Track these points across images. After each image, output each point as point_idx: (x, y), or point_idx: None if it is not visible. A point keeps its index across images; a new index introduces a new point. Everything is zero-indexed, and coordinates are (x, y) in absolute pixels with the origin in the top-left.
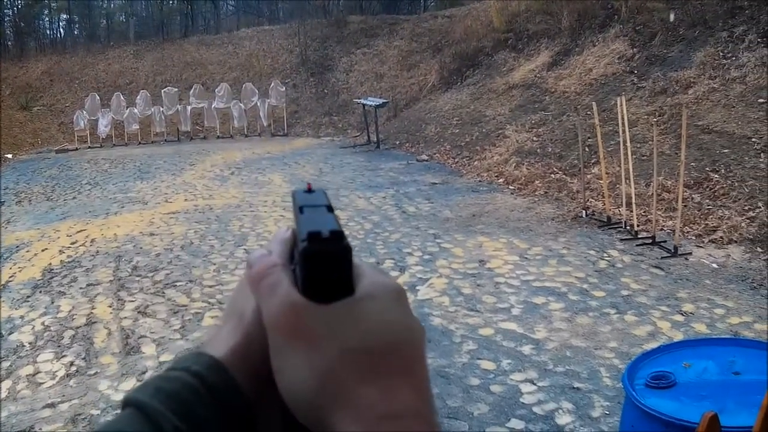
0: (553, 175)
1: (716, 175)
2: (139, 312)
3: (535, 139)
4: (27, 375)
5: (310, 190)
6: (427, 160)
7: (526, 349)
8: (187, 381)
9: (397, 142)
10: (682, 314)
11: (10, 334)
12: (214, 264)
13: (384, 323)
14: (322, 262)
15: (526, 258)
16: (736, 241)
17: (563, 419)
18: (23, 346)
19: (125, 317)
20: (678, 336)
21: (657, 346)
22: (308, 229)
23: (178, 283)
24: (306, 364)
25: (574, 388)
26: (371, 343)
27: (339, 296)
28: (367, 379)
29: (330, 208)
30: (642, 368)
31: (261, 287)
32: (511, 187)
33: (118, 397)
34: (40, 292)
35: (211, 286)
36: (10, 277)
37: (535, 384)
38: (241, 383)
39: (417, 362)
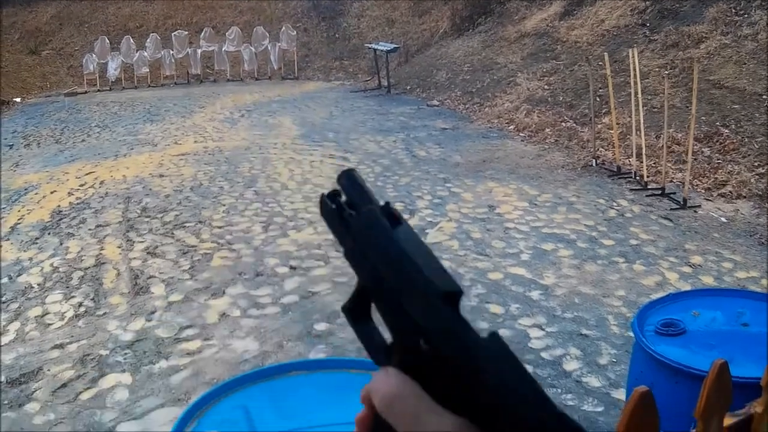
0: (563, 124)
1: (726, 130)
2: (148, 253)
3: (546, 87)
4: (35, 316)
5: (397, 221)
6: (437, 106)
7: (535, 294)
8: None
9: (408, 87)
10: (690, 266)
11: (18, 276)
12: (224, 205)
13: None
14: None
15: (535, 204)
16: (744, 197)
17: (571, 365)
18: (32, 287)
19: (134, 258)
20: (686, 287)
21: (666, 294)
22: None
23: (187, 224)
24: None
25: (581, 334)
26: None
27: None
28: None
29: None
30: (651, 315)
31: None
32: (521, 134)
33: (127, 337)
34: (49, 233)
35: (220, 227)
36: (18, 219)
37: (543, 329)
38: None
39: None
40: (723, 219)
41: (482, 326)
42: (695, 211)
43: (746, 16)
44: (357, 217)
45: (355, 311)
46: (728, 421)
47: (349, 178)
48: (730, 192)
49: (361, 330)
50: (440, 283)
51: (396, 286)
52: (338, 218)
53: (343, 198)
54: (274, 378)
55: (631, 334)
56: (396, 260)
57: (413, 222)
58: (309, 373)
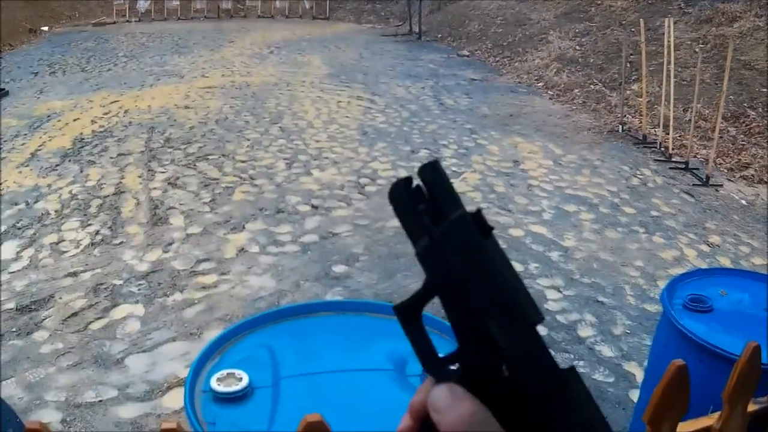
0: (592, 86)
1: (753, 113)
2: (169, 183)
3: (577, 48)
4: (50, 243)
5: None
6: (468, 56)
7: (554, 255)
8: None
9: (439, 35)
10: (708, 245)
11: (35, 202)
12: (248, 140)
13: None
14: None
15: (560, 164)
16: (766, 182)
17: (585, 332)
18: (48, 214)
19: (155, 188)
20: (702, 265)
21: (689, 270)
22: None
23: (210, 157)
24: None
25: (598, 301)
26: None
27: None
28: None
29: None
30: (679, 289)
31: None
32: (549, 92)
33: (143, 267)
34: (69, 161)
35: (243, 161)
36: (39, 146)
37: (560, 292)
38: None
39: None
40: (743, 201)
41: None
42: (716, 190)
43: None
44: (446, 220)
45: (409, 312)
46: (751, 407)
47: (435, 172)
48: (752, 175)
49: (413, 333)
50: (533, 312)
51: (482, 305)
52: (413, 211)
53: (423, 189)
54: (296, 318)
55: (647, 306)
56: (488, 279)
57: None
58: (330, 314)
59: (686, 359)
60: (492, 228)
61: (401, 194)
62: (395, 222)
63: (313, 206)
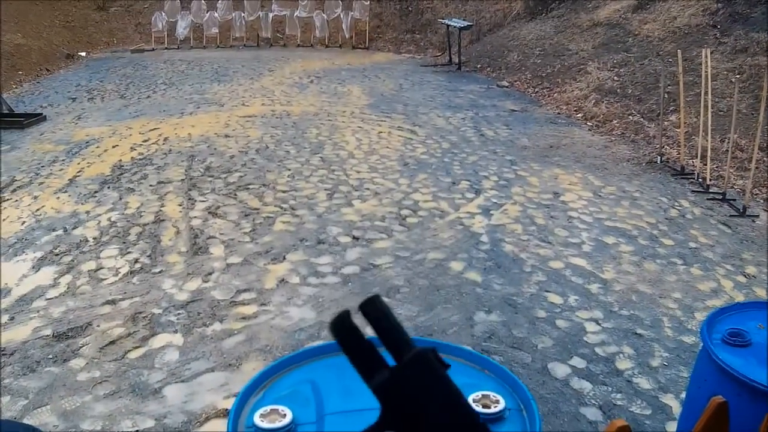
0: (631, 117)
1: None
2: (209, 212)
3: (615, 78)
4: (88, 270)
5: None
6: (507, 87)
7: (594, 287)
8: None
9: (478, 66)
10: (744, 276)
11: (74, 228)
12: (289, 169)
13: None
14: None
15: (599, 196)
16: None
17: (623, 364)
18: (87, 240)
19: (195, 217)
20: (739, 297)
21: (726, 304)
22: None
23: (251, 186)
24: None
25: (636, 333)
26: None
27: None
28: None
29: None
30: (718, 323)
31: None
32: (589, 123)
33: (182, 297)
34: (109, 188)
35: (284, 191)
36: (77, 172)
37: (599, 324)
38: None
39: None
40: None
41: (540, 315)
42: (753, 221)
43: None
44: (408, 355)
45: None
46: None
47: (379, 307)
48: None
49: None
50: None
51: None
52: (364, 346)
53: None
54: (338, 354)
55: (684, 338)
56: (457, 407)
57: (478, 202)
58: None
59: (725, 393)
60: (448, 365)
61: (346, 329)
62: (436, 254)
63: (354, 237)
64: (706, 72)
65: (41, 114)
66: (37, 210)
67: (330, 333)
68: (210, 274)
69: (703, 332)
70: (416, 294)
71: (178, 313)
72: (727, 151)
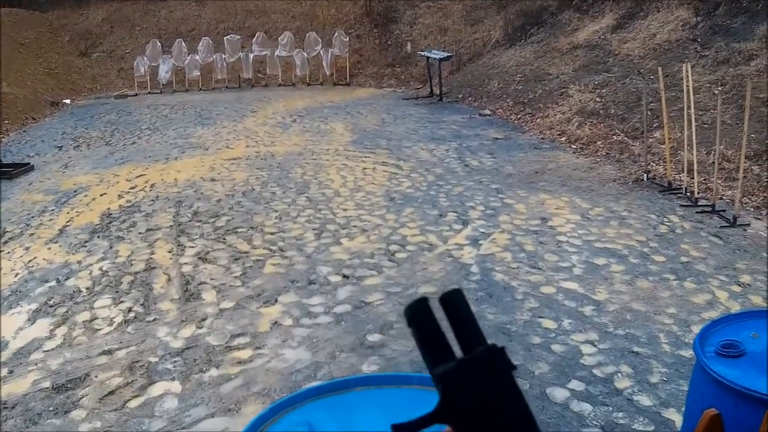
0: (615, 137)
1: None
2: (199, 258)
3: (598, 99)
4: (83, 321)
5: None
6: (489, 115)
7: (587, 309)
8: None
9: (460, 96)
10: (739, 285)
11: (66, 279)
12: (276, 211)
13: None
14: None
15: (587, 218)
16: None
17: (622, 383)
18: (80, 291)
19: (185, 263)
20: (735, 307)
21: (722, 315)
22: None
23: (239, 230)
24: None
25: (633, 352)
26: None
27: None
28: None
29: None
30: (711, 336)
31: None
32: (573, 146)
33: (177, 344)
34: (98, 236)
35: (272, 233)
36: (67, 221)
37: (595, 346)
38: None
39: None
40: None
41: (535, 341)
42: (744, 230)
43: None
44: (482, 348)
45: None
46: None
47: (459, 299)
48: None
49: None
50: None
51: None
52: (437, 335)
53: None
54: (336, 393)
55: (682, 353)
56: (520, 407)
57: (466, 233)
58: (371, 388)
59: (722, 405)
60: (515, 366)
61: (421, 313)
62: (426, 287)
63: (344, 276)
64: (687, 86)
65: (29, 163)
66: (30, 261)
67: (404, 316)
68: (203, 320)
69: (696, 346)
70: (409, 329)
71: (175, 361)
72: (714, 162)
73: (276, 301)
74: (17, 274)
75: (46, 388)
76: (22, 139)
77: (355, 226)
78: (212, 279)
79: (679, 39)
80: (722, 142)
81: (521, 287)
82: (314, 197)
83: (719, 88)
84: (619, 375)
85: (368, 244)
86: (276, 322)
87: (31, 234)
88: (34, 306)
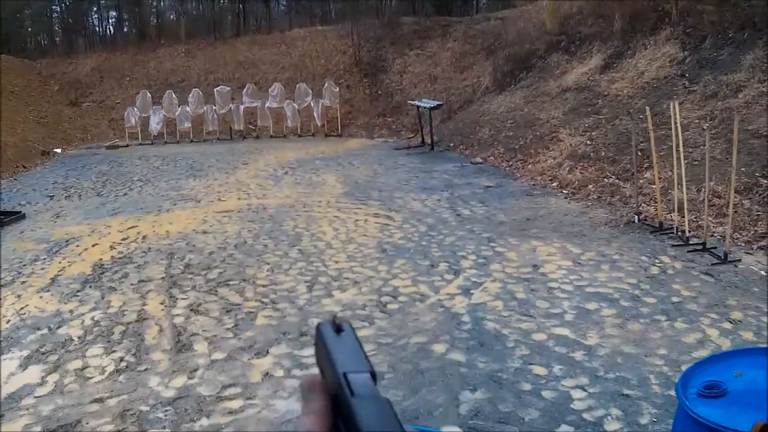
0: (606, 180)
1: (766, 181)
2: (191, 310)
3: (588, 142)
4: (75, 369)
5: (337, 328)
6: (481, 163)
7: (578, 355)
8: None
9: (451, 144)
10: (730, 322)
11: (58, 327)
12: (268, 263)
13: None
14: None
15: (579, 263)
16: None
17: (612, 426)
18: (72, 340)
19: (177, 314)
20: (726, 343)
21: (708, 354)
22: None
23: (231, 282)
24: None
25: (623, 394)
26: None
27: None
28: None
29: (373, 375)
30: (695, 377)
31: None
32: (564, 191)
33: (169, 393)
34: (90, 287)
35: (264, 286)
36: (59, 271)
37: (585, 390)
38: None
39: None
40: (762, 272)
41: (525, 388)
42: (735, 266)
43: None
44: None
45: None
46: None
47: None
48: None
49: None
50: None
51: None
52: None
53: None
54: None
55: (672, 393)
56: None
57: (458, 282)
58: None
59: None
60: None
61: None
62: (418, 338)
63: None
64: (676, 124)
65: (20, 212)
66: (21, 309)
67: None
68: (195, 370)
69: (678, 388)
70: (401, 379)
71: (166, 410)
72: (704, 199)
73: (267, 352)
74: (9, 321)
75: None
76: (14, 187)
77: (346, 278)
78: (204, 330)
79: (667, 75)
80: (712, 178)
81: (512, 335)
82: (306, 249)
83: (708, 123)
84: (609, 418)
85: (360, 295)
86: (267, 373)
87: (23, 282)
88: (26, 353)
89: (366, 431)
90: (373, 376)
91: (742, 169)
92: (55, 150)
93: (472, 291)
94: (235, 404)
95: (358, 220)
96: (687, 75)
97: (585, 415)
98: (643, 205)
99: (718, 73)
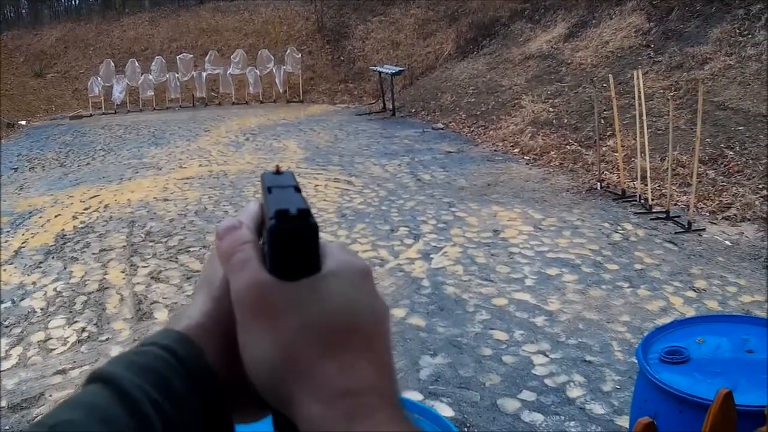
0: (568, 147)
1: (731, 152)
2: (152, 277)
3: (550, 110)
4: (38, 341)
5: (278, 172)
6: (442, 129)
7: (539, 320)
8: (160, 354)
9: (413, 110)
10: (694, 290)
11: (21, 300)
12: None
13: (346, 301)
14: (288, 240)
15: (540, 229)
16: (749, 219)
17: (574, 392)
18: (35, 312)
19: (138, 283)
20: (690, 312)
21: (670, 321)
22: (276, 208)
23: (191, 249)
24: (268, 338)
25: (585, 361)
26: (332, 320)
27: (305, 274)
28: (327, 354)
29: (297, 189)
30: (656, 342)
31: (230, 264)
32: (526, 157)
33: None
34: (53, 257)
35: None
36: (22, 243)
37: (547, 356)
38: (210, 355)
39: (378, 339)
40: (727, 242)
41: (486, 353)
42: (700, 235)
43: (750, 36)
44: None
45: None
46: None
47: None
48: (735, 215)
49: None
50: None
51: None
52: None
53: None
54: None
55: (635, 360)
56: None
57: (418, 247)
58: None
59: (666, 412)
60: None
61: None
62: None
63: None
64: (639, 93)
65: None
66: None
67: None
68: None
69: (638, 353)
70: None
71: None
72: (668, 169)
73: None
74: None
75: (2, 407)
76: None
77: None
78: (165, 298)
79: (632, 45)
80: (676, 148)
81: (472, 300)
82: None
83: (672, 93)
84: (571, 384)
85: None
86: None
87: None
88: None
89: (274, 209)
90: (298, 189)
91: (707, 140)
92: (20, 122)
93: (432, 255)
94: None
95: (318, 185)
96: (652, 46)
97: (547, 381)
98: (605, 172)
99: (684, 44)
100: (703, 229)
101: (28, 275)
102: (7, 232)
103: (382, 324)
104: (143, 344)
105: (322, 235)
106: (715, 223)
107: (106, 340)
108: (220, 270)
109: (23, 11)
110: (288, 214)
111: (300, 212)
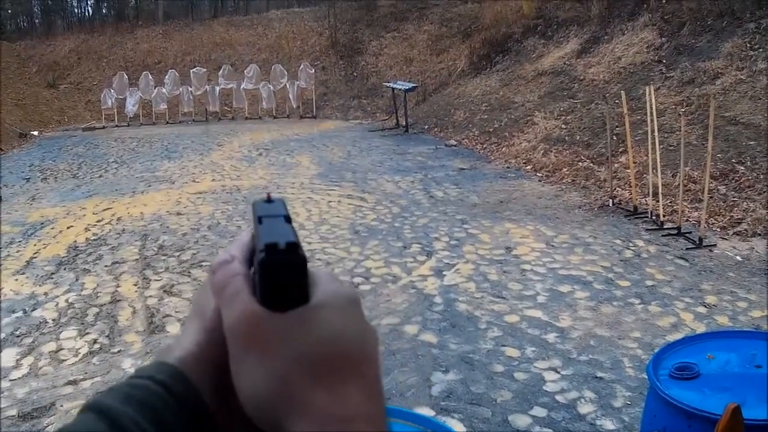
0: (580, 163)
1: (742, 167)
2: (164, 291)
3: (563, 126)
4: (49, 351)
5: (269, 200)
6: (455, 145)
7: (551, 337)
8: (156, 390)
9: (426, 127)
10: (705, 306)
11: (33, 310)
12: None
13: (335, 331)
14: (278, 272)
15: (552, 246)
16: (760, 234)
17: (585, 408)
18: (46, 322)
19: (150, 296)
20: (701, 328)
21: (681, 337)
22: (266, 241)
23: (204, 263)
24: (261, 369)
25: (596, 377)
26: (322, 350)
27: (295, 305)
28: (318, 383)
29: (288, 219)
30: (666, 359)
31: (223, 295)
32: (538, 174)
33: None
34: (65, 269)
35: None
36: (34, 253)
37: (558, 372)
38: (203, 384)
39: (367, 366)
40: (738, 258)
41: (498, 369)
42: (710, 250)
43: (761, 50)
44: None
45: None
46: None
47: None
48: (746, 230)
49: None
50: None
51: None
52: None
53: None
54: None
55: (646, 376)
56: None
57: (430, 264)
58: None
59: (675, 426)
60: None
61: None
62: (390, 319)
63: None
64: (651, 109)
65: None
66: None
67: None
68: None
69: (648, 369)
70: None
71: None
72: (680, 185)
73: None
74: None
75: (12, 416)
76: None
77: (319, 259)
78: (177, 312)
79: (644, 61)
80: (688, 164)
81: (485, 317)
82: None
83: (684, 109)
84: (583, 400)
85: None
86: None
87: None
88: (1, 336)
89: (264, 242)
90: (288, 219)
91: (719, 155)
92: (32, 132)
93: (444, 272)
94: None
95: (331, 202)
96: (664, 61)
97: (558, 398)
98: (617, 189)
99: (695, 59)
100: (714, 245)
101: (40, 285)
102: (19, 242)
103: (370, 351)
104: (138, 376)
105: (334, 252)
106: (726, 239)
107: (118, 352)
108: (212, 301)
109: (36, 21)
110: (277, 247)
111: (289, 246)
